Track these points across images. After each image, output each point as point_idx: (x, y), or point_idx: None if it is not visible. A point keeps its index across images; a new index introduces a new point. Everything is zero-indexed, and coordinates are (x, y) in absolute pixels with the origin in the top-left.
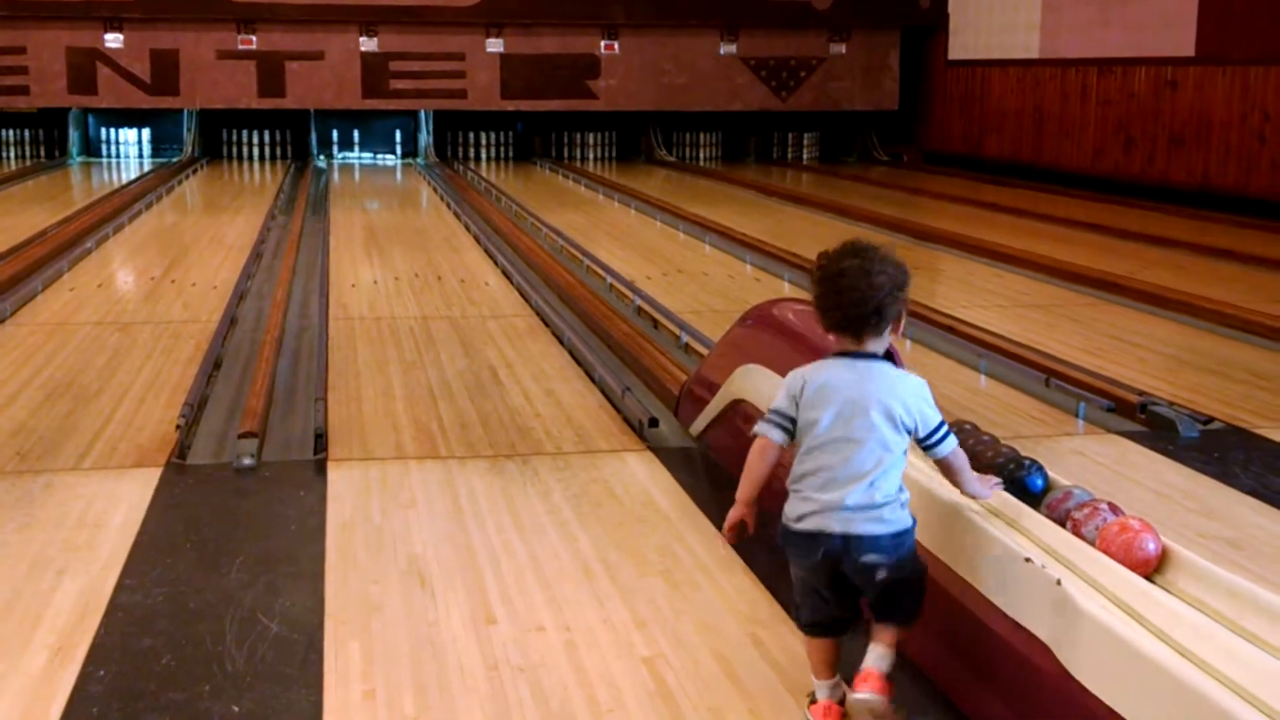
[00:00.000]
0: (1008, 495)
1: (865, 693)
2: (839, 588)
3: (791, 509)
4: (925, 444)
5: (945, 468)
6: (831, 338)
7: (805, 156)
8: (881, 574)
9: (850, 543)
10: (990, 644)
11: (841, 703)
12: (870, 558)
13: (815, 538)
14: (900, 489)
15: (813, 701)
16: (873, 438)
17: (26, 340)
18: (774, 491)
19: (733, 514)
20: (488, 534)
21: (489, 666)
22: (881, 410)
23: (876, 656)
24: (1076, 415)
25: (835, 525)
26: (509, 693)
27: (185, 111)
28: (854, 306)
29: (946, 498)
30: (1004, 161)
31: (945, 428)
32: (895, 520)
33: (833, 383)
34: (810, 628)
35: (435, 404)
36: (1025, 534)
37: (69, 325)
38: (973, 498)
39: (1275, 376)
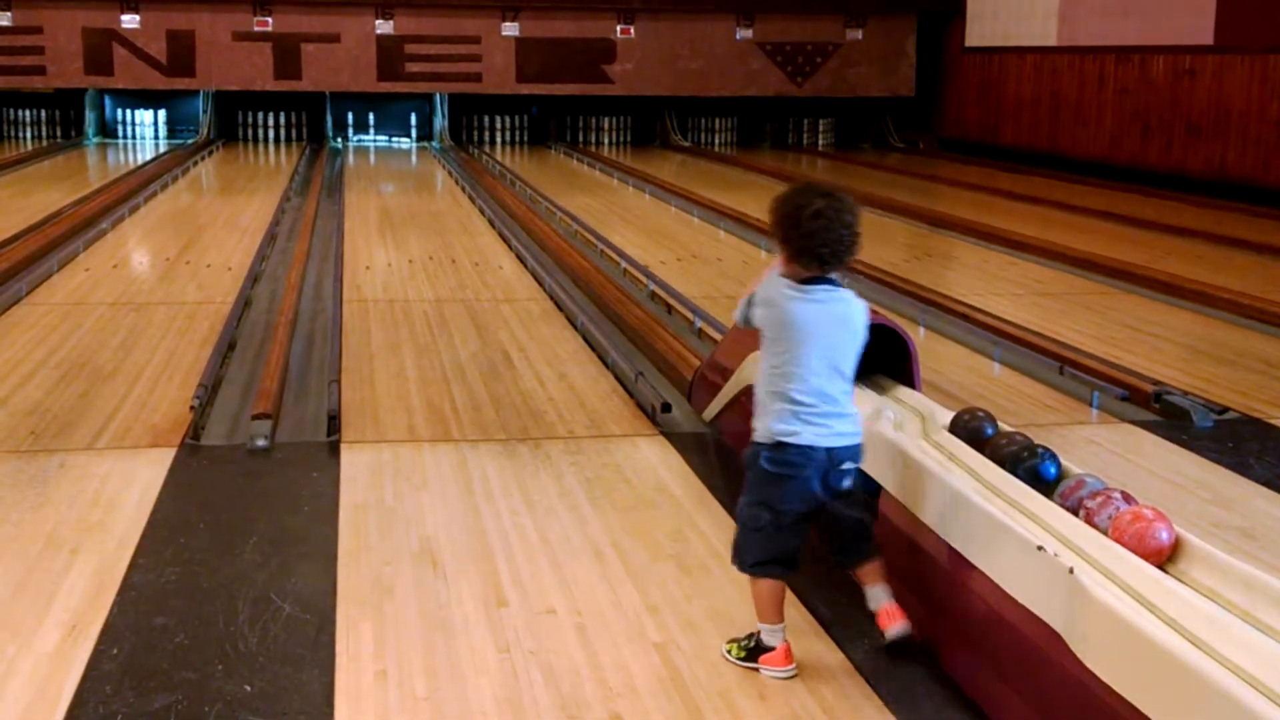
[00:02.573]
0: (1021, 483)
1: (900, 627)
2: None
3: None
4: None
5: None
6: (791, 266)
7: (821, 142)
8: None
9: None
10: (1003, 632)
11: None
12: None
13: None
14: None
15: (764, 650)
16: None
17: (42, 320)
18: None
19: None
20: (500, 517)
21: (500, 649)
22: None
23: (884, 593)
24: (1090, 404)
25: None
26: (520, 675)
27: (201, 93)
28: (836, 243)
29: (957, 486)
30: (1020, 149)
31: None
32: None
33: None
34: (768, 566)
35: (448, 387)
36: (1038, 522)
37: (84, 305)
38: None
39: None
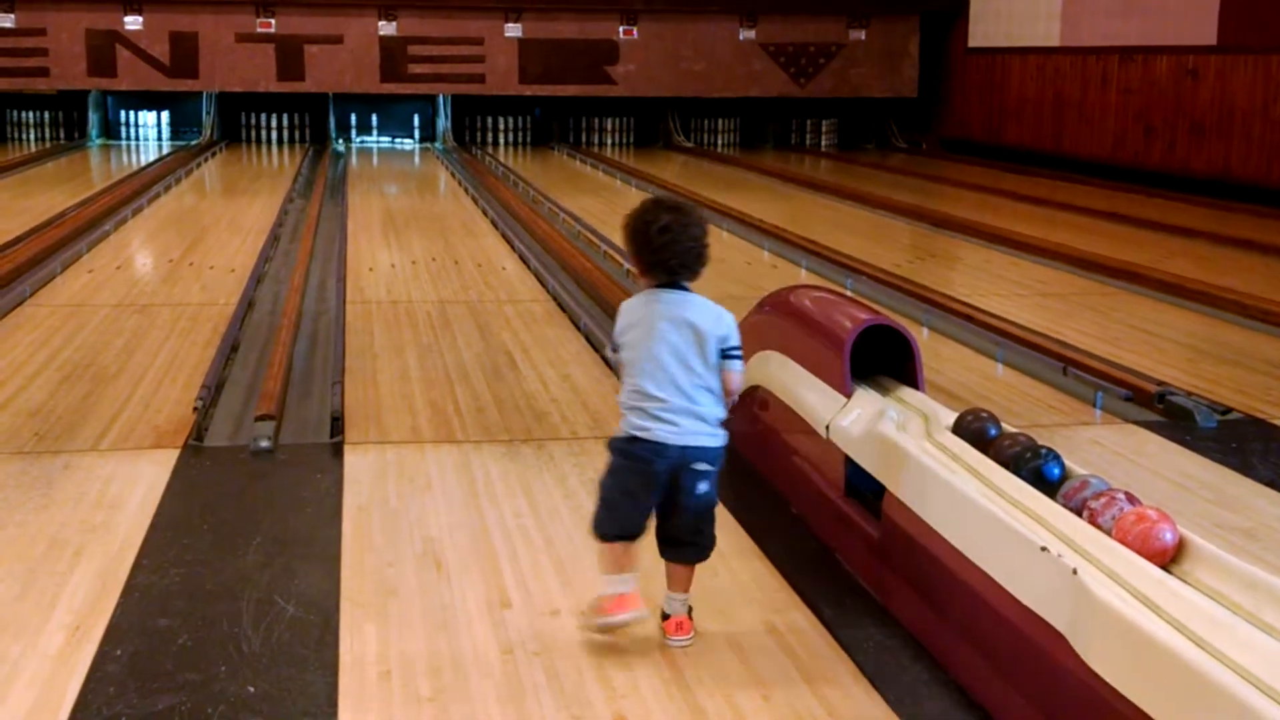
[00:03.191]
0: (1024, 484)
1: (684, 638)
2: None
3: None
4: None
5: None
6: (645, 279)
7: (824, 143)
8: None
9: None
10: (1007, 634)
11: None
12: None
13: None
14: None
15: (617, 595)
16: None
17: (45, 321)
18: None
19: None
20: (503, 518)
21: (504, 650)
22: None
23: (682, 603)
24: (1094, 405)
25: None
26: (524, 676)
27: (204, 94)
28: (684, 255)
29: (960, 487)
30: (1023, 150)
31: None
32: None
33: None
34: (615, 539)
35: (451, 388)
36: (1042, 523)
37: (88, 307)
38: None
39: None
